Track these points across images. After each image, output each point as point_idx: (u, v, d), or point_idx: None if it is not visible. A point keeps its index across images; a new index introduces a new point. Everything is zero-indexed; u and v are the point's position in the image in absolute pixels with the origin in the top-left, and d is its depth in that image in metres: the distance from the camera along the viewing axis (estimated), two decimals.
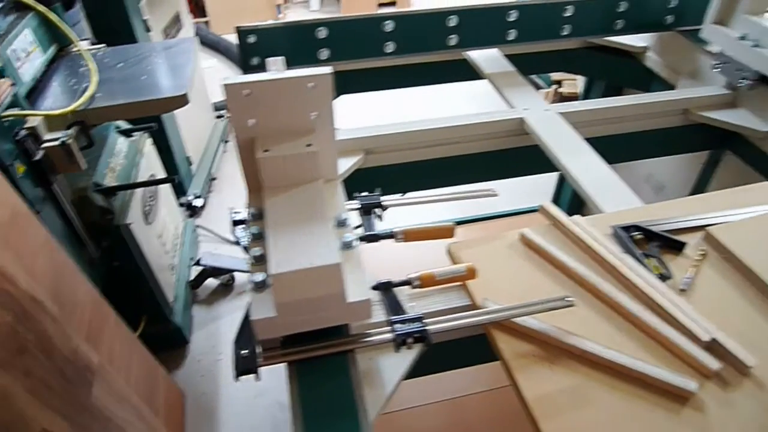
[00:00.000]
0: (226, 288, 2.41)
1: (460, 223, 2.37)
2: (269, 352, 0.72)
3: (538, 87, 4.04)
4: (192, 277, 2.35)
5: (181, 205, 2.61)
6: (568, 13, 1.49)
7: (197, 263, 2.36)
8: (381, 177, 1.30)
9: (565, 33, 1.52)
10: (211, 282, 2.40)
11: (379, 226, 0.91)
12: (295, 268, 0.64)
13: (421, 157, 1.31)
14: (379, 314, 0.79)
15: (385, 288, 0.79)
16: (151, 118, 1.91)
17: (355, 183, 1.23)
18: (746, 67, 1.41)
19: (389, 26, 1.38)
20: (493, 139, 1.33)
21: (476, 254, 0.91)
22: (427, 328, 0.73)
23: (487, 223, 2.50)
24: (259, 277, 0.68)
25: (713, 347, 0.77)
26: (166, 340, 2.08)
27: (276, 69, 0.78)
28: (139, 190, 1.88)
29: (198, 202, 2.76)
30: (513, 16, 1.45)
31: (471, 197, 0.98)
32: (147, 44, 2.14)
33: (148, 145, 2.07)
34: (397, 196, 0.96)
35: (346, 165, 1.21)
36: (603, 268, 0.89)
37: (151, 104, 1.45)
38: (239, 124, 0.77)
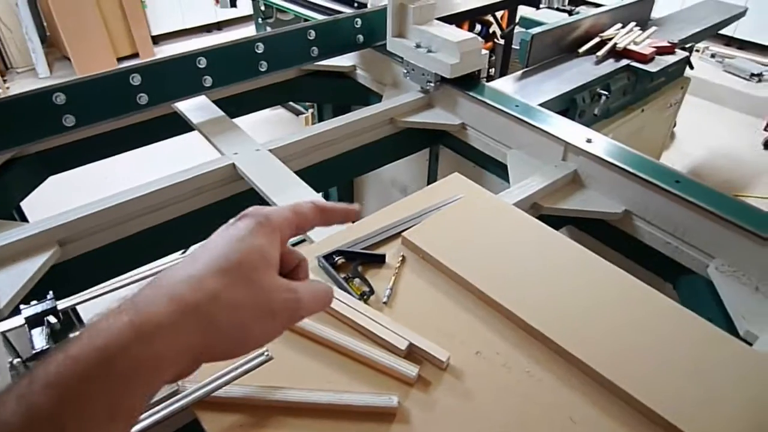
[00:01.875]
0: None
1: None
2: None
3: (298, 113, 4.12)
4: None
5: None
6: (259, 50, 1.50)
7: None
8: (86, 266, 1.16)
9: (263, 69, 1.53)
10: None
11: None
12: None
13: (129, 231, 1.20)
14: None
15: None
16: None
17: (53, 282, 1.08)
18: (427, 71, 1.56)
19: (60, 99, 1.24)
20: (207, 192, 1.28)
21: None
22: None
23: None
24: None
25: (413, 352, 0.80)
26: None
27: None
28: None
29: None
30: (203, 62, 1.42)
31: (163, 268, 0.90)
32: None
33: None
34: (80, 294, 0.85)
35: (35, 266, 1.05)
36: None
37: None
38: None
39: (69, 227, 1.12)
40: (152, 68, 1.35)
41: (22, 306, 0.82)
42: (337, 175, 1.76)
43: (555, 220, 1.22)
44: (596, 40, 2.12)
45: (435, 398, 0.75)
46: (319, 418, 0.73)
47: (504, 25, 3.22)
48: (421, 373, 0.77)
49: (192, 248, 1.15)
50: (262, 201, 1.22)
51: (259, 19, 3.61)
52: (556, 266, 0.94)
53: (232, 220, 0.48)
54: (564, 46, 2.13)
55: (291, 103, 4.03)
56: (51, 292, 0.83)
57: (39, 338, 0.78)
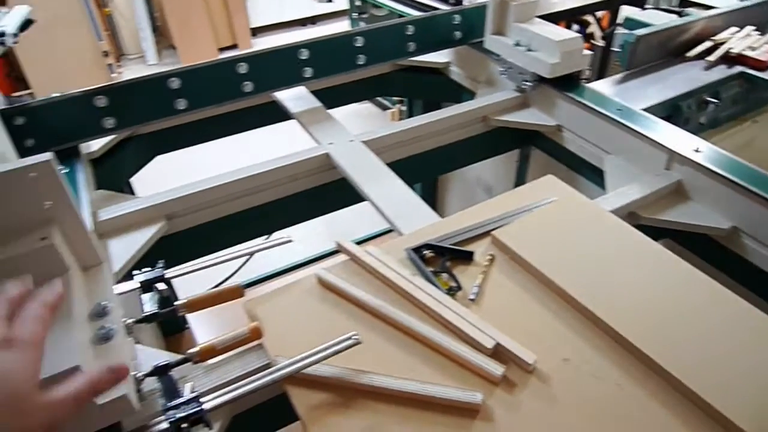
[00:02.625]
0: None
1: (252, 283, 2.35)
2: None
3: (385, 107, 4.17)
4: None
5: None
6: (358, 44, 1.54)
7: None
8: (189, 240, 1.24)
9: (361, 63, 1.57)
10: None
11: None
12: None
13: (229, 211, 1.27)
14: (156, 399, 0.73)
15: (162, 371, 0.73)
16: None
17: (160, 253, 1.16)
18: (525, 70, 1.53)
19: (176, 83, 1.33)
20: (302, 179, 1.32)
21: (273, 307, 0.89)
22: (203, 407, 0.68)
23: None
24: None
25: (499, 352, 0.80)
26: None
27: None
28: None
29: None
30: (305, 54, 1.47)
31: (264, 249, 0.95)
32: None
33: None
34: (184, 265, 0.91)
35: (145, 237, 1.14)
36: (398, 295, 0.90)
37: None
38: None
39: (176, 203, 1.20)
40: (258, 58, 1.41)
41: (134, 272, 0.89)
42: (427, 171, 1.76)
43: (652, 232, 1.16)
44: (707, 44, 1.98)
45: (519, 400, 0.74)
46: (401, 405, 0.74)
47: (604, 25, 3.09)
48: (506, 373, 0.76)
49: (276, 233, 1.20)
50: (353, 190, 1.25)
51: (354, 15, 3.67)
52: (656, 279, 0.90)
53: None
54: (671, 50, 2.02)
55: (379, 97, 4.09)
56: (162, 261, 0.89)
57: (149, 302, 0.84)
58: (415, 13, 2.53)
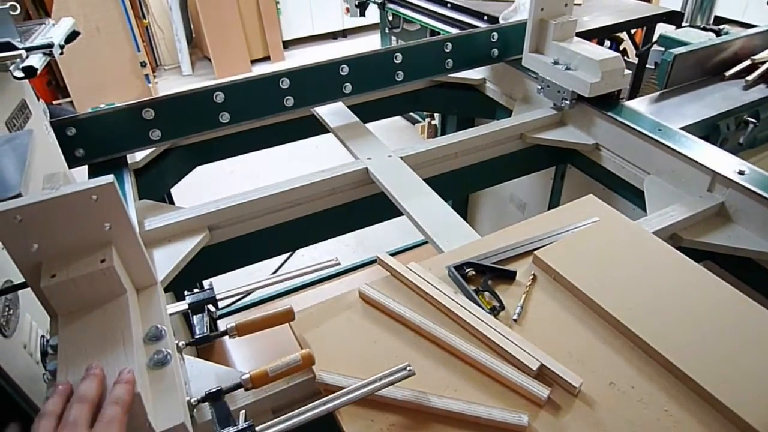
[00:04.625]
0: None
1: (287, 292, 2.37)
2: None
3: (414, 121, 4.18)
4: None
5: None
6: (398, 60, 1.56)
7: None
8: (230, 251, 1.26)
9: (399, 79, 1.58)
10: None
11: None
12: None
13: (269, 223, 1.29)
14: (209, 427, 0.74)
15: (215, 397, 0.74)
16: None
17: (202, 262, 1.19)
18: (563, 89, 1.52)
19: (220, 97, 1.36)
20: (340, 193, 1.34)
21: (319, 326, 0.89)
22: None
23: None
24: None
25: (543, 374, 0.79)
26: None
27: (51, 186, 0.72)
28: None
29: None
30: (345, 70, 1.49)
31: (313, 271, 0.96)
32: None
33: None
34: (234, 287, 0.92)
35: (188, 247, 1.16)
36: (441, 312, 0.90)
37: None
38: (19, 252, 0.69)
39: (218, 215, 1.23)
40: (300, 73, 1.44)
41: (186, 292, 0.91)
42: (463, 187, 1.77)
43: (693, 253, 1.15)
44: (746, 63, 1.96)
45: (564, 423, 0.74)
46: (446, 424, 0.74)
47: (638, 42, 3.07)
48: (551, 395, 0.76)
49: (315, 246, 1.20)
50: (392, 205, 1.26)
51: (386, 29, 3.71)
52: (703, 305, 0.89)
53: None
54: (708, 69, 1.99)
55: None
56: (210, 282, 0.91)
57: (200, 324, 0.85)
58: (447, 29, 2.55)
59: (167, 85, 5.37)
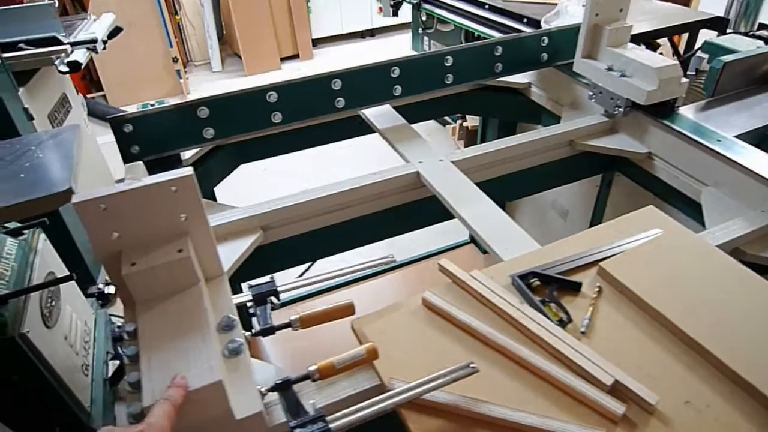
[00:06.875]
0: None
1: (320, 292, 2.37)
2: None
3: (445, 123, 4.16)
4: (110, 374, 2.17)
5: (90, 295, 2.44)
6: (448, 63, 1.54)
7: (114, 357, 2.20)
8: (282, 251, 1.26)
9: (448, 82, 1.57)
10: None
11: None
12: None
13: (320, 224, 1.29)
14: (281, 415, 0.74)
15: (283, 387, 0.75)
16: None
17: (255, 262, 1.19)
18: (617, 96, 1.50)
19: (273, 97, 1.37)
20: (391, 196, 1.33)
21: (380, 327, 0.89)
22: (330, 426, 0.69)
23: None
24: (134, 408, 0.62)
25: (617, 389, 0.78)
26: None
27: (132, 177, 0.73)
28: (35, 293, 1.73)
29: (110, 289, 2.58)
30: (396, 72, 1.48)
31: (370, 267, 0.96)
32: (27, 137, 2.01)
33: (41, 242, 1.93)
34: (294, 279, 0.93)
35: (243, 246, 1.17)
36: (506, 322, 0.89)
37: (31, 205, 1.35)
38: (100, 240, 0.72)
39: (272, 215, 1.23)
40: (351, 75, 1.44)
41: (244, 284, 0.91)
42: (511, 192, 1.75)
43: (756, 268, 1.12)
44: None
45: None
46: None
47: (680, 49, 3.01)
48: (626, 412, 0.74)
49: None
50: (444, 209, 1.25)
51: (419, 29, 3.69)
52: None
53: None
54: (757, 77, 1.95)
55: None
56: (272, 276, 0.91)
57: (263, 315, 0.86)
58: (484, 30, 2.53)
59: (197, 81, 5.41)
